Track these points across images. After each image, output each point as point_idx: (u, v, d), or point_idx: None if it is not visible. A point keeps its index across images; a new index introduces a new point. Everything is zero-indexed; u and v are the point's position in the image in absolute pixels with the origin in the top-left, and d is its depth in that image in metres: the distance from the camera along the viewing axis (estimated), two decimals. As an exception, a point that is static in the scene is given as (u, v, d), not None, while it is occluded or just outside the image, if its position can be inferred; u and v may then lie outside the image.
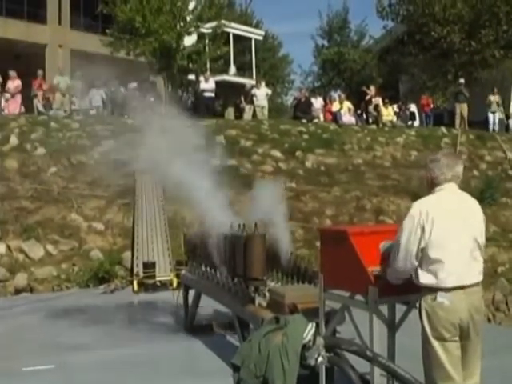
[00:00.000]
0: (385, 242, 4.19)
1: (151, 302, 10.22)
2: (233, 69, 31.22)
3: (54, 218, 13.46)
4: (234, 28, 30.23)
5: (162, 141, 7.37)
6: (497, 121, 22.38)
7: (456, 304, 3.75)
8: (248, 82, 27.04)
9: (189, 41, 22.68)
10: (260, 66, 34.67)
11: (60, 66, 23.16)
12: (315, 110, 20.99)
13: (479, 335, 3.91)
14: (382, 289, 4.02)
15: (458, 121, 21.86)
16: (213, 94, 21.34)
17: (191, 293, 8.17)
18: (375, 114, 21.38)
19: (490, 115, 22.28)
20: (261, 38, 34.79)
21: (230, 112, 24.78)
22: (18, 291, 11.71)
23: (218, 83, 22.62)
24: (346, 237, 4.25)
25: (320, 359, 3.36)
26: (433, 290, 3.77)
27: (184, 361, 6.91)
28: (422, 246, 3.78)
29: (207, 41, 23.69)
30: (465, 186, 4.15)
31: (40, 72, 20.08)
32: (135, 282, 11.29)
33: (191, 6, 22.72)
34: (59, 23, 29.01)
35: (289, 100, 37.11)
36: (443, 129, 21.10)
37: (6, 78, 18.74)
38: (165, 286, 11.28)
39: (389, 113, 21.52)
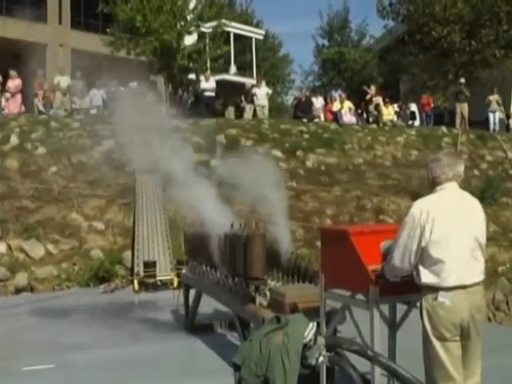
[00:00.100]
0: (385, 241, 4.19)
1: (152, 302, 10.21)
2: (233, 68, 31.22)
3: (54, 217, 13.47)
4: (235, 27, 30.23)
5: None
6: (497, 120, 22.37)
7: (457, 304, 3.75)
8: (248, 81, 27.06)
9: (189, 40, 22.67)
10: (260, 65, 34.68)
11: (60, 66, 23.14)
12: (316, 110, 20.99)
13: (480, 335, 3.91)
14: (383, 288, 4.01)
15: (458, 120, 21.85)
16: (213, 94, 21.35)
17: (192, 292, 8.17)
18: (376, 113, 21.39)
19: (491, 115, 22.27)
20: (261, 37, 34.79)
21: (231, 111, 24.80)
22: (18, 291, 11.72)
23: (218, 82, 22.63)
24: (346, 236, 4.25)
25: (321, 359, 3.35)
26: (434, 289, 3.77)
27: (185, 360, 6.90)
28: (423, 245, 3.78)
29: (207, 40, 23.67)
30: (465, 186, 4.15)
31: (40, 71, 20.09)
32: (136, 282, 11.28)
33: (192, 5, 22.71)
34: (60, 23, 29.00)
35: (289, 99, 37.14)
36: (444, 128, 21.10)
37: (6, 78, 18.74)
38: (165, 285, 11.27)
39: (389, 112, 21.53)
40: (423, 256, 3.80)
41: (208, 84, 21.02)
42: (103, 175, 14.61)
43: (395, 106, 22.41)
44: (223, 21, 24.14)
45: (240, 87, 25.07)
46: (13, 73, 18.75)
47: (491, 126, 22.07)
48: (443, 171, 3.95)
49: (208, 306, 8.22)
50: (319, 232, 5.24)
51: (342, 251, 4.33)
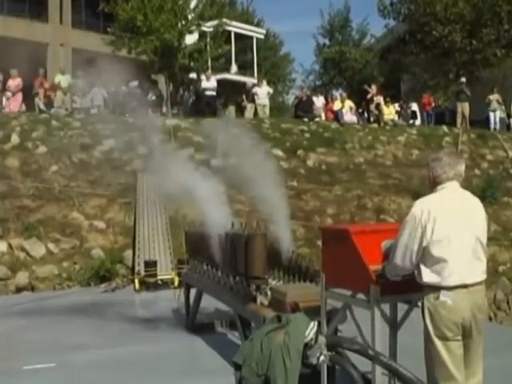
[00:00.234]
0: (387, 240, 4.18)
1: (152, 301, 10.22)
2: (234, 67, 31.25)
3: (55, 216, 13.47)
4: (236, 27, 30.25)
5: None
6: (498, 120, 22.38)
7: (458, 303, 3.74)
8: (249, 80, 27.08)
9: (190, 39, 22.66)
10: (261, 64, 34.70)
11: (61, 65, 23.15)
12: (317, 109, 21.01)
13: (481, 334, 3.90)
14: (384, 287, 4.01)
15: (459, 120, 21.87)
16: (214, 93, 21.35)
17: (192, 291, 8.17)
18: (376, 112, 21.40)
19: (491, 114, 22.28)
20: (262, 36, 34.82)
21: (232, 110, 24.79)
22: (19, 290, 11.72)
23: (219, 82, 22.63)
24: (347, 236, 4.25)
25: (322, 358, 3.35)
26: (435, 288, 3.77)
27: (185, 359, 6.91)
28: (424, 244, 3.78)
29: (208, 39, 23.66)
30: (466, 185, 4.14)
31: (41, 70, 20.09)
32: (136, 281, 11.30)
33: (192, 4, 22.70)
34: (60, 22, 28.99)
35: (290, 99, 37.20)
36: (444, 128, 21.11)
37: (7, 77, 18.75)
38: (166, 284, 11.28)
39: (390, 112, 21.54)
40: (425, 255, 3.80)
41: (209, 83, 21.02)
42: (104, 174, 14.63)
43: (396, 105, 22.43)
44: (224, 20, 24.12)
45: (241, 86, 25.08)
46: (13, 72, 18.77)
47: (492, 126, 22.08)
48: (444, 170, 3.94)
49: (209, 305, 8.22)
50: (320, 231, 5.24)
51: (343, 250, 4.33)
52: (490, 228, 13.50)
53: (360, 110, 22.37)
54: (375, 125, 20.79)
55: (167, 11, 21.23)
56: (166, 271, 11.49)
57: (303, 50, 73.14)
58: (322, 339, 3.38)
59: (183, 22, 21.95)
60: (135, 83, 19.83)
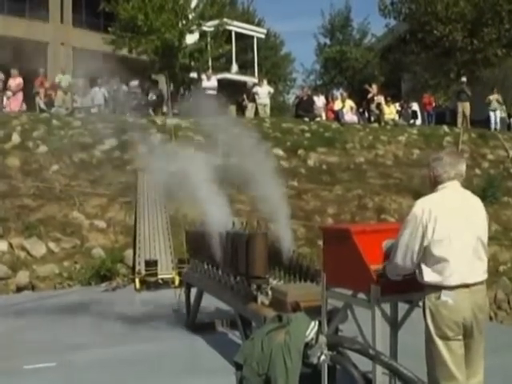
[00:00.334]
0: (387, 240, 4.18)
1: (153, 300, 10.21)
2: (235, 67, 31.25)
3: (55, 215, 13.47)
4: (236, 26, 30.26)
5: None
6: (498, 120, 22.37)
7: (460, 303, 3.74)
8: (250, 80, 27.08)
9: (191, 39, 22.68)
10: (262, 64, 34.70)
11: (62, 64, 23.16)
12: (317, 109, 21.00)
13: (482, 334, 3.90)
14: (385, 287, 4.01)
15: (460, 119, 21.87)
16: (215, 92, 21.34)
17: (193, 291, 8.17)
18: (377, 112, 21.39)
19: (492, 114, 22.27)
20: (263, 36, 34.82)
21: (232, 110, 24.79)
22: (19, 289, 11.72)
23: (220, 81, 22.62)
24: (348, 235, 4.24)
25: (322, 357, 3.35)
26: (437, 288, 3.77)
27: (186, 359, 6.90)
28: (425, 244, 3.78)
29: (209, 39, 23.69)
30: (467, 185, 4.14)
31: (42, 70, 20.10)
32: (137, 280, 11.30)
33: (193, 4, 22.73)
34: (61, 21, 29.01)
35: (291, 98, 37.21)
36: (445, 127, 21.11)
37: (7, 76, 18.75)
38: (167, 283, 11.28)
39: (391, 111, 21.53)
40: (426, 255, 3.80)
41: (210, 83, 21.02)
42: (105, 174, 14.63)
43: (397, 104, 22.42)
44: (225, 20, 24.16)
45: (242, 86, 25.07)
46: (14, 71, 18.77)
47: (492, 125, 22.07)
48: (445, 170, 3.95)
49: (209, 304, 8.22)
50: (321, 231, 5.24)
51: (343, 250, 4.32)
52: (491, 228, 13.47)
53: (361, 110, 22.37)
54: (376, 124, 20.79)
55: (168, 11, 21.26)
56: (166, 270, 11.49)
57: (304, 50, 73.17)
58: (322, 339, 3.38)
59: (184, 22, 21.98)
60: (136, 83, 19.84)
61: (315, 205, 15.27)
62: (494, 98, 22.30)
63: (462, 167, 4.01)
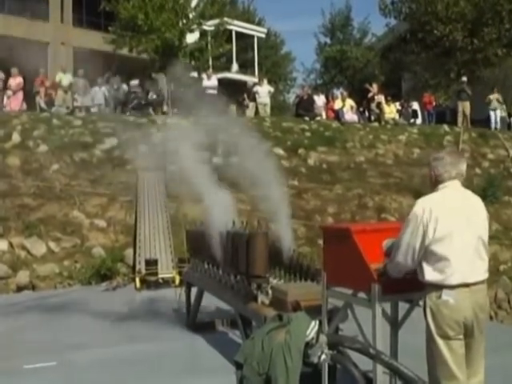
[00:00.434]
0: (388, 239, 4.18)
1: (153, 300, 10.20)
2: (235, 66, 31.26)
3: (56, 215, 13.47)
4: (237, 25, 30.26)
5: None
6: (498, 119, 22.38)
7: (460, 302, 3.74)
8: (250, 79, 27.09)
9: (191, 38, 22.71)
10: (262, 63, 34.73)
11: (62, 64, 23.16)
12: (317, 108, 21.00)
13: (483, 333, 3.90)
14: (385, 286, 4.01)
15: (460, 119, 21.87)
16: (215, 92, 21.34)
17: (193, 290, 8.16)
18: (377, 111, 21.39)
19: (492, 113, 22.27)
20: (263, 35, 34.84)
21: (232, 109, 24.78)
22: (19, 288, 11.71)
23: (220, 81, 22.62)
24: (349, 234, 4.24)
25: (323, 357, 3.35)
26: (437, 287, 3.77)
27: (186, 358, 6.89)
28: (426, 243, 3.77)
29: (209, 38, 23.72)
30: (467, 184, 4.15)
31: (42, 69, 20.09)
32: (137, 280, 11.28)
33: (193, 3, 22.75)
34: (61, 21, 29.03)
35: (291, 98, 37.21)
36: (445, 127, 21.10)
37: (7, 75, 18.75)
38: (167, 283, 11.26)
39: (391, 110, 21.53)
40: (427, 253, 3.80)
41: (210, 82, 21.00)
42: (105, 173, 14.63)
43: (397, 104, 22.42)
44: (225, 19, 24.19)
45: (242, 85, 25.08)
46: (14, 71, 18.76)
47: (493, 125, 22.07)
48: (446, 169, 3.95)
49: (210, 304, 8.21)
50: (321, 230, 5.23)
51: (344, 249, 4.32)
52: (491, 227, 13.41)
53: (361, 109, 22.37)
54: (376, 124, 20.79)
55: (168, 10, 21.29)
56: (166, 270, 11.48)
57: (304, 49, 73.23)
58: (323, 338, 3.38)
59: (184, 21, 22.01)
60: (136, 82, 19.83)
61: (315, 204, 15.27)
62: (495, 97, 22.31)
63: (463, 167, 4.01)
